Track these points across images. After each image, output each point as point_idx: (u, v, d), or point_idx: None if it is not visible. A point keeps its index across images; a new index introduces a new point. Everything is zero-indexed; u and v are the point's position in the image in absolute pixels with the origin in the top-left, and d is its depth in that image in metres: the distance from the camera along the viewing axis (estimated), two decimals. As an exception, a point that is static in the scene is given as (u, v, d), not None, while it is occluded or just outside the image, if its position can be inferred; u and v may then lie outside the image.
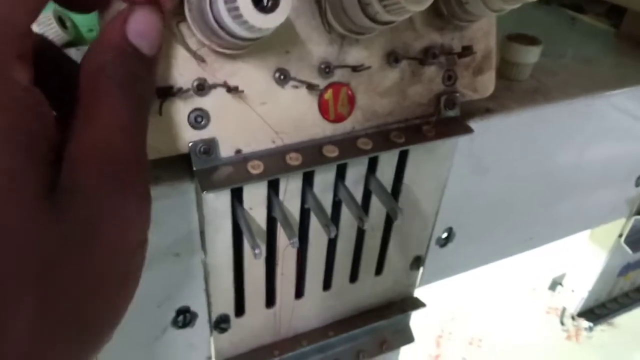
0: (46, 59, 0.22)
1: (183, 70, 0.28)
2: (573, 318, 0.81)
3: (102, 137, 0.19)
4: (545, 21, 0.63)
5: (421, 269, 0.47)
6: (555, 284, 0.85)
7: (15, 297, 0.16)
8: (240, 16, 0.22)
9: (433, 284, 0.50)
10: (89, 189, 0.18)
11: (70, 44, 0.43)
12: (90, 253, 0.18)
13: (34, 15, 0.18)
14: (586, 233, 0.72)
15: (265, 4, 0.22)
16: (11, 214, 0.16)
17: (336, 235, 0.39)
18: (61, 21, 0.41)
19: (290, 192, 0.34)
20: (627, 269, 0.75)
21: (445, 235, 0.46)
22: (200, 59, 0.28)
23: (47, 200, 0.17)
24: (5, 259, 0.16)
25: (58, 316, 0.17)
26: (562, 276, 0.82)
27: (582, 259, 0.75)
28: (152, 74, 0.23)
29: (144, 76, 0.22)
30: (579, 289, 0.78)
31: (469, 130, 0.36)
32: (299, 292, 0.41)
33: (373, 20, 0.27)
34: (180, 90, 0.28)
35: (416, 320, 0.49)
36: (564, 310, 0.84)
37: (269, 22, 0.22)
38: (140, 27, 0.21)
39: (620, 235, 0.67)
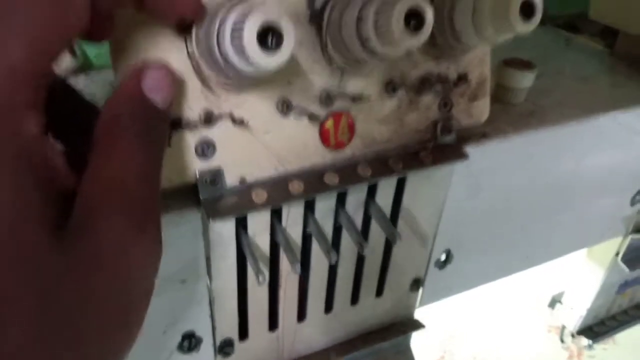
0: (62, 99, 0.23)
1: (191, 103, 0.29)
2: (573, 336, 0.81)
3: (117, 179, 0.20)
4: (540, 41, 0.64)
5: (421, 290, 0.47)
6: (554, 302, 0.85)
7: (12, 322, 0.17)
8: (245, 56, 0.23)
9: (433, 304, 0.50)
10: (99, 227, 0.19)
11: (79, 69, 0.45)
12: (94, 287, 0.19)
13: (45, 64, 0.19)
14: (584, 251, 0.72)
15: (269, 44, 0.23)
16: (17, 246, 0.17)
17: (338, 259, 0.39)
18: (70, 48, 0.42)
19: (293, 218, 0.35)
20: (624, 286, 0.76)
21: (444, 257, 0.47)
22: (209, 89, 0.29)
23: (55, 235, 0.18)
24: (6, 285, 0.17)
25: (56, 349, 0.18)
26: (561, 294, 0.83)
27: (580, 277, 0.75)
28: (165, 124, 0.24)
29: (157, 127, 0.23)
30: (578, 307, 0.78)
31: (464, 156, 0.37)
32: (301, 315, 0.41)
33: (372, 53, 0.28)
34: (188, 122, 0.29)
35: (418, 340, 0.50)
36: (563, 328, 0.84)
37: (272, 61, 0.23)
38: (155, 82, 0.23)
39: (617, 254, 0.67)
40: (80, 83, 0.44)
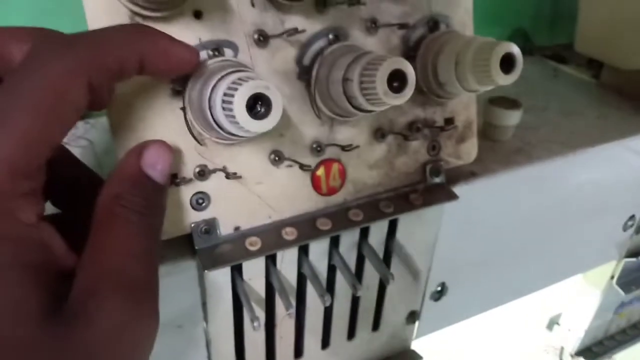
0: (63, 167, 0.24)
1: (186, 159, 0.30)
2: (572, 357, 0.82)
3: (115, 263, 0.21)
4: (528, 72, 0.65)
5: (417, 323, 0.48)
6: (552, 324, 0.86)
7: None
8: (236, 122, 0.24)
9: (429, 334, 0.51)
10: (96, 311, 0.20)
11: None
12: None
13: (42, 153, 0.20)
14: (580, 274, 0.73)
15: (258, 110, 0.24)
16: (13, 342, 0.17)
17: (333, 296, 0.40)
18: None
19: (287, 261, 0.36)
20: (621, 307, 0.77)
21: (439, 289, 0.48)
22: (203, 145, 0.30)
23: (52, 321, 0.19)
24: None
25: None
26: (559, 316, 0.83)
27: (578, 298, 0.76)
28: (164, 200, 0.25)
29: (156, 203, 0.24)
30: (576, 328, 0.79)
31: (454, 196, 0.38)
32: (298, 353, 0.42)
33: (358, 109, 0.30)
34: (183, 178, 0.30)
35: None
36: (562, 349, 0.85)
37: (262, 127, 0.24)
38: (154, 159, 0.24)
39: (612, 277, 0.68)
40: (80, 129, 0.45)
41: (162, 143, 0.25)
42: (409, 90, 0.27)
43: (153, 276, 0.23)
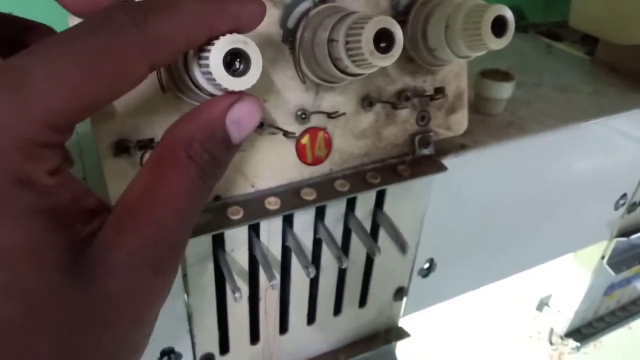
0: None
1: (164, 123, 0.29)
2: (561, 338, 0.82)
3: (156, 217, 0.19)
4: (522, 49, 0.65)
5: (405, 299, 0.47)
6: (542, 305, 0.86)
7: None
8: (213, 79, 0.23)
9: (417, 312, 0.51)
10: (125, 264, 0.19)
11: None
12: (111, 326, 0.19)
13: (78, 114, 0.18)
14: (570, 255, 0.73)
15: (237, 67, 0.23)
16: (35, 289, 0.17)
17: (318, 271, 0.40)
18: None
19: (271, 233, 0.35)
20: (611, 288, 0.76)
21: (427, 265, 0.47)
22: (181, 109, 0.29)
23: (74, 270, 0.18)
24: (27, 332, 0.17)
25: None
26: (549, 297, 0.83)
27: (568, 279, 0.76)
28: (229, 162, 0.23)
29: (222, 164, 0.22)
30: (566, 309, 0.78)
31: (442, 168, 0.37)
32: (283, 328, 0.41)
33: (344, 72, 0.28)
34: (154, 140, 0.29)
35: (399, 348, 0.50)
36: (551, 330, 0.85)
37: (241, 84, 0.23)
38: (242, 116, 0.22)
39: (603, 257, 0.68)
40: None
41: (257, 102, 0.22)
42: (397, 51, 0.26)
43: (183, 244, 0.21)
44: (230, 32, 0.22)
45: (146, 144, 0.29)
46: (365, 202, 0.37)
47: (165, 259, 0.20)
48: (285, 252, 0.37)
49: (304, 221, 0.36)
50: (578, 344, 0.79)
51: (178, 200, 0.20)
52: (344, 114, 0.33)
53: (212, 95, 0.26)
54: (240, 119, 0.22)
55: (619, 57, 0.57)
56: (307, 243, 0.37)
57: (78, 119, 0.18)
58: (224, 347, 0.39)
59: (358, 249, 0.40)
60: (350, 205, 0.37)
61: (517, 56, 0.61)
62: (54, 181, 0.18)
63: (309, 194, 0.33)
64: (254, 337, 0.40)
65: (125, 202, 0.20)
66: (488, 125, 0.44)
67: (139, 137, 0.28)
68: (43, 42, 0.18)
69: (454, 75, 0.37)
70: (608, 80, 0.56)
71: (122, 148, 0.28)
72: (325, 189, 0.34)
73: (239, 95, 0.22)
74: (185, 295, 0.34)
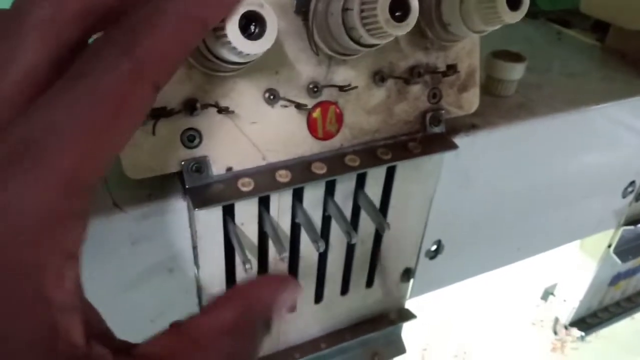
0: None
1: (176, 91, 0.29)
2: (566, 327, 0.82)
3: None
4: (532, 36, 0.64)
5: (411, 281, 0.47)
6: (547, 294, 0.85)
7: None
8: (229, 43, 0.23)
9: (422, 296, 0.51)
10: None
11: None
12: None
13: (96, 171, 0.17)
14: (576, 243, 0.73)
15: (252, 31, 0.23)
16: None
17: (327, 249, 0.40)
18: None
19: (281, 207, 0.35)
20: (617, 278, 0.76)
21: (434, 247, 0.47)
22: (194, 78, 0.29)
23: None
24: None
25: None
26: (554, 286, 0.83)
27: (573, 269, 0.76)
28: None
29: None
30: (571, 299, 0.78)
31: (453, 146, 0.37)
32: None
33: (358, 43, 0.28)
34: (172, 110, 0.29)
35: (405, 330, 0.50)
36: (556, 320, 0.85)
37: (256, 47, 0.23)
38: (286, 304, 0.21)
39: (610, 246, 0.68)
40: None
41: (298, 288, 0.22)
42: (412, 19, 0.26)
43: None
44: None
45: (159, 113, 0.29)
46: (375, 180, 0.37)
47: None
48: (294, 230, 0.37)
49: (313, 197, 0.36)
50: (582, 334, 0.79)
51: None
52: (355, 87, 0.33)
53: (228, 62, 0.26)
54: (284, 304, 0.21)
55: (630, 43, 0.57)
56: (317, 220, 0.37)
57: (99, 173, 0.17)
58: (232, 323, 0.39)
59: (366, 228, 0.40)
60: (360, 182, 0.37)
61: (527, 43, 0.61)
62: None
63: (319, 168, 0.33)
64: (262, 314, 0.40)
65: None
66: (499, 106, 0.44)
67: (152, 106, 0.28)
68: (42, 102, 0.16)
69: (467, 52, 0.37)
70: (618, 66, 0.56)
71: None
72: (335, 163, 0.34)
73: (288, 281, 0.22)
74: (196, 268, 0.34)
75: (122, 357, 0.17)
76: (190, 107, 0.29)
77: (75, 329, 0.16)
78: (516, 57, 0.44)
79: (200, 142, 0.30)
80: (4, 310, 0.15)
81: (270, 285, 0.21)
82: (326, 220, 0.38)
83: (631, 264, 0.74)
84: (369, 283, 0.45)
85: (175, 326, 0.19)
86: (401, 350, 0.50)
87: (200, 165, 0.30)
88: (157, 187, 0.31)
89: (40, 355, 0.15)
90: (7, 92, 0.17)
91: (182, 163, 0.30)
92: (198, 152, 0.30)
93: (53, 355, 0.15)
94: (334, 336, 0.45)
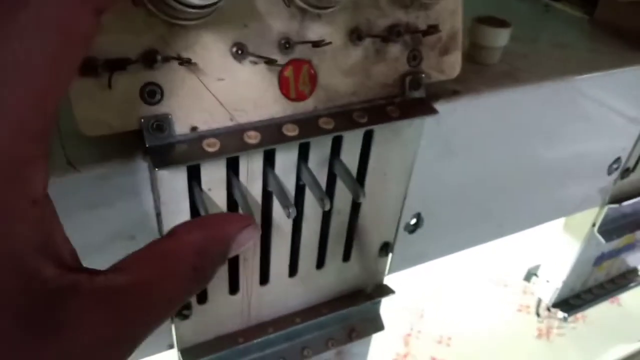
0: None
1: (134, 41, 0.26)
2: (549, 309, 0.81)
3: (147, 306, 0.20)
4: (518, 8, 0.63)
5: (390, 256, 0.46)
6: (530, 275, 0.85)
7: None
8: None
9: (402, 279, 0.49)
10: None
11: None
12: None
13: (51, 112, 0.16)
14: (560, 223, 0.72)
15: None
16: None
17: (301, 219, 0.38)
18: None
19: (251, 173, 0.33)
20: (601, 259, 0.75)
21: (413, 221, 0.45)
22: (154, 28, 0.27)
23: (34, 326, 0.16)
24: None
25: None
26: (537, 267, 0.82)
27: (557, 249, 0.75)
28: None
29: (215, 271, 0.22)
30: (554, 280, 0.78)
31: (433, 111, 0.36)
32: (264, 278, 0.40)
33: (331, -9, 0.26)
34: (129, 61, 0.26)
35: (384, 318, 0.49)
36: (539, 301, 0.84)
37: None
38: (247, 239, 0.23)
39: (594, 225, 0.67)
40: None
41: (258, 227, 0.24)
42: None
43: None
44: None
45: (115, 64, 0.26)
46: (351, 146, 0.36)
47: (142, 339, 0.20)
48: (266, 198, 0.35)
49: (286, 163, 0.34)
50: (565, 315, 0.79)
51: (175, 294, 0.21)
52: (330, 43, 0.31)
53: (189, 6, 0.24)
54: (243, 242, 0.23)
55: (619, 15, 0.56)
56: (290, 189, 0.35)
57: (52, 114, 0.16)
58: (202, 296, 0.37)
59: (343, 198, 0.39)
60: (336, 148, 0.35)
61: (514, 14, 0.59)
62: (37, 212, 0.16)
63: (291, 130, 0.32)
64: (233, 287, 0.39)
65: (117, 279, 0.19)
66: (483, 74, 0.42)
67: (107, 57, 0.26)
68: None
69: (449, 12, 0.35)
70: (607, 39, 0.54)
71: (88, 68, 0.26)
72: (308, 126, 0.32)
73: (248, 221, 0.24)
74: (160, 236, 0.32)
75: (96, 276, 0.18)
76: (150, 59, 0.27)
77: (45, 267, 0.16)
78: (501, 23, 0.42)
79: (161, 98, 0.28)
80: None
81: (232, 222, 0.23)
82: (300, 189, 0.37)
83: (615, 243, 0.73)
84: (346, 257, 0.43)
85: (146, 245, 0.21)
86: (379, 327, 0.49)
87: (162, 124, 0.28)
88: (116, 148, 0.29)
89: (14, 296, 0.16)
90: None
91: (142, 120, 0.28)
92: (160, 109, 0.28)
93: (29, 295, 0.16)
94: (310, 311, 0.44)
